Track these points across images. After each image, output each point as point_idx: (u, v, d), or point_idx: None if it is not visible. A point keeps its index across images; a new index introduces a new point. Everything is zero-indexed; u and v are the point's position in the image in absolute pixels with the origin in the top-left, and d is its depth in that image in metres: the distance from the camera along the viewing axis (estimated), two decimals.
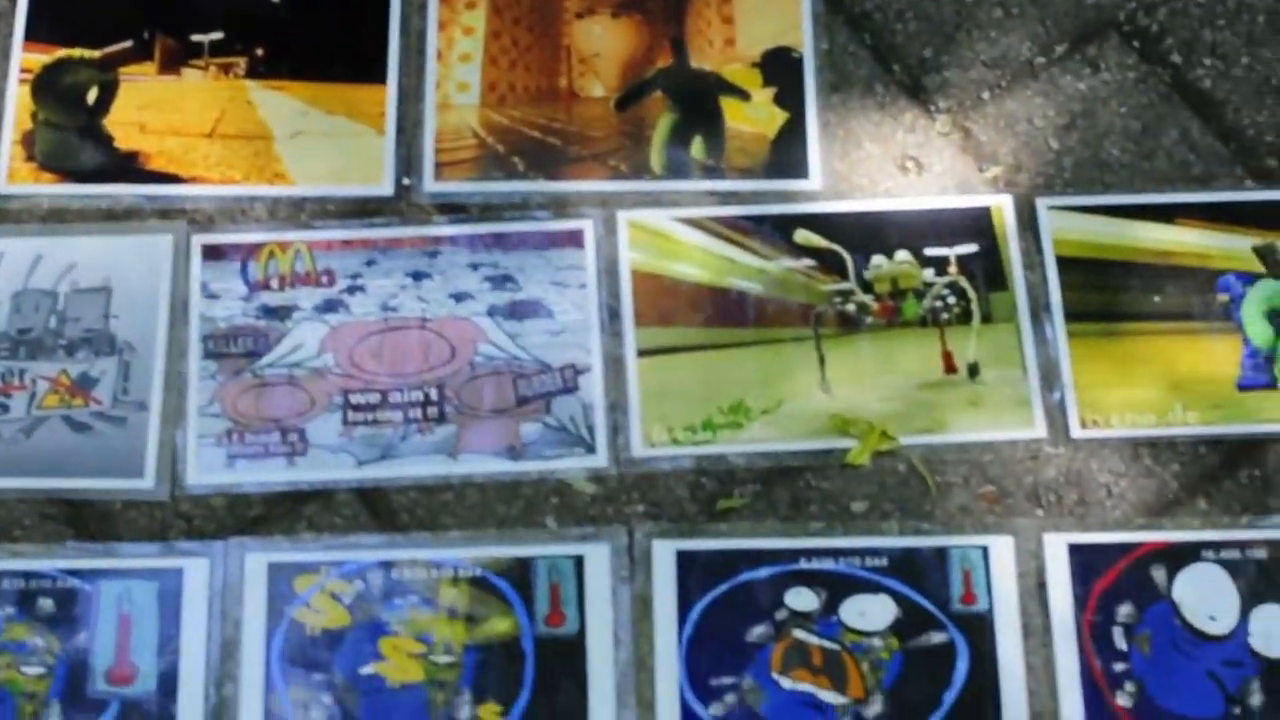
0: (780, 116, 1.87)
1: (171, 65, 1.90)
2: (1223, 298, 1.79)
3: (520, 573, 1.66)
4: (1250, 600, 1.66)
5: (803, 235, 1.81)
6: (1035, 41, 1.91)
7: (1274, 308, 1.78)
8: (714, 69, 1.90)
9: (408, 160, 1.85)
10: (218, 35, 1.91)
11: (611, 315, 1.77)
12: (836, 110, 1.87)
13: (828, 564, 1.67)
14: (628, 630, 1.64)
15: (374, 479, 1.71)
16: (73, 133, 1.86)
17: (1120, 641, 1.64)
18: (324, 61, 1.90)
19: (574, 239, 1.80)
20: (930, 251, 1.81)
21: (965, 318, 1.78)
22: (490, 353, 1.76)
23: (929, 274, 1.80)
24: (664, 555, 1.67)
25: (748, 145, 1.86)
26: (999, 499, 1.70)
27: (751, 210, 1.82)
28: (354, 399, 1.74)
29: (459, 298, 1.78)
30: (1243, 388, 1.75)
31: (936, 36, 1.91)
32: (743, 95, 1.89)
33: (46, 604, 1.65)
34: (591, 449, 1.72)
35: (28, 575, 1.66)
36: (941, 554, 1.67)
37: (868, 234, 1.81)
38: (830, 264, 1.80)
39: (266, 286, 1.79)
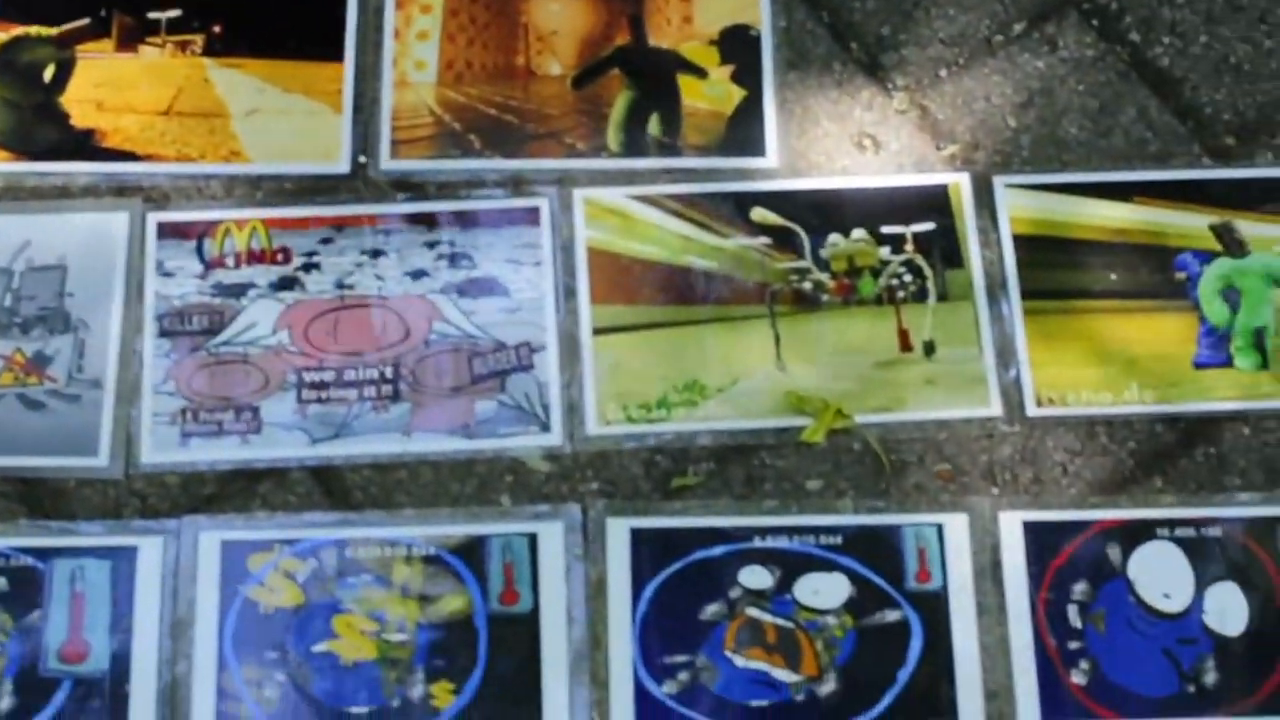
0: (738, 94, 1.87)
1: (129, 43, 1.90)
2: (1179, 276, 1.79)
3: (474, 551, 1.66)
4: (1205, 578, 1.66)
5: (759, 213, 1.80)
6: (993, 19, 1.90)
7: (1230, 286, 1.78)
8: (672, 47, 1.90)
9: (364, 138, 1.84)
10: (175, 13, 1.91)
11: (567, 293, 1.77)
12: (794, 88, 1.87)
13: (782, 542, 1.66)
14: (581, 608, 1.64)
15: (328, 457, 1.70)
16: (29, 110, 1.86)
17: (1075, 619, 1.64)
18: (281, 39, 1.89)
19: (530, 217, 1.80)
20: (887, 229, 1.80)
21: (921, 296, 1.78)
22: (445, 330, 1.75)
23: (885, 252, 1.79)
24: (618, 533, 1.67)
25: (705, 123, 1.86)
26: (954, 477, 1.70)
27: (708, 188, 1.82)
28: (308, 377, 1.73)
29: (415, 275, 1.78)
30: (1199, 366, 1.75)
31: (894, 14, 1.91)
32: (700, 73, 1.88)
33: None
34: (546, 427, 1.71)
35: None
36: (896, 532, 1.67)
37: (824, 212, 1.81)
38: (786, 242, 1.80)
39: (222, 264, 1.78)
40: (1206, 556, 1.66)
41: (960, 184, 1.82)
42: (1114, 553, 1.66)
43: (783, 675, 1.62)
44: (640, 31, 1.90)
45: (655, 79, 1.88)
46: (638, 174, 1.83)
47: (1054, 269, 1.78)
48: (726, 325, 1.76)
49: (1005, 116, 1.86)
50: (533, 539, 1.66)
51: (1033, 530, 1.67)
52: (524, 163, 1.83)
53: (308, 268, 1.78)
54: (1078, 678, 1.62)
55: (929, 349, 1.75)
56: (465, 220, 1.80)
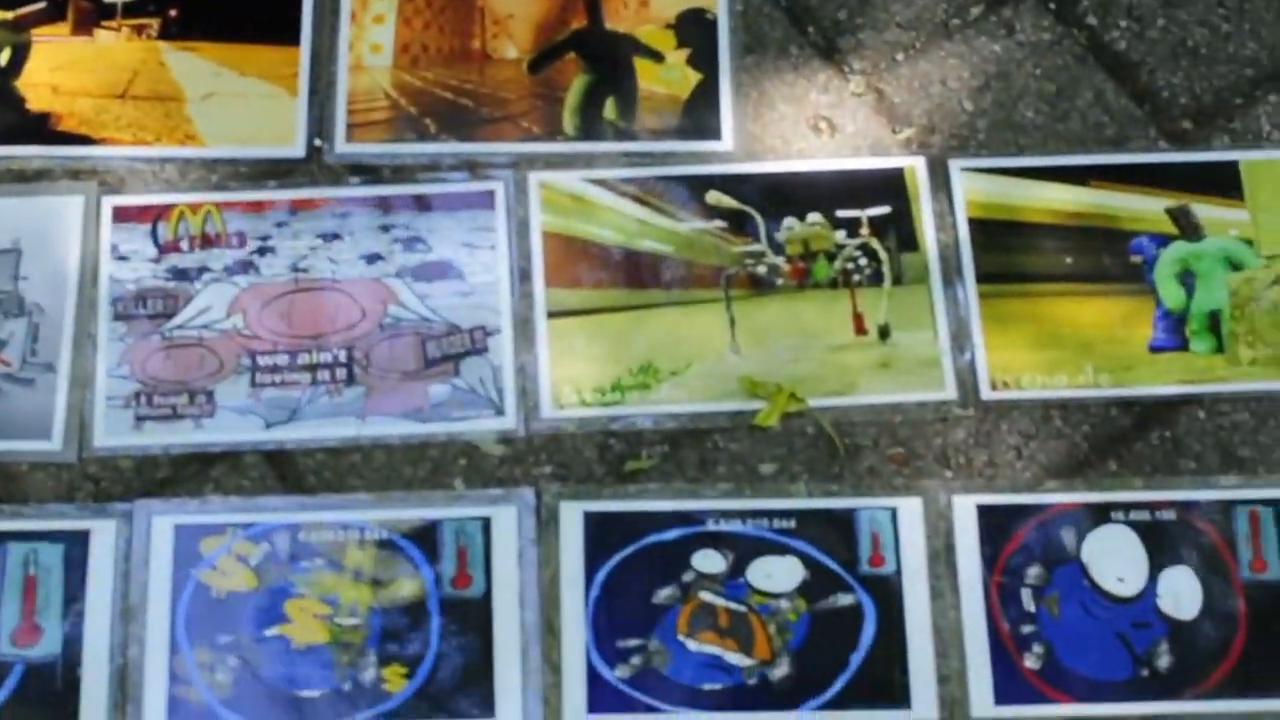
0: (694, 78, 1.87)
1: (85, 26, 1.89)
2: (1135, 259, 1.79)
3: (427, 535, 1.65)
4: (1159, 562, 1.66)
5: (714, 197, 1.80)
6: (950, 3, 1.90)
7: (1186, 269, 1.78)
8: (628, 31, 1.90)
9: (320, 122, 1.84)
10: None
11: (522, 277, 1.76)
12: (750, 72, 1.87)
13: (735, 526, 1.66)
14: (534, 592, 1.64)
15: (281, 441, 1.70)
16: None
17: (1029, 603, 1.64)
18: (237, 23, 1.89)
19: (485, 200, 1.80)
20: (842, 213, 1.80)
21: (876, 279, 1.78)
22: (400, 314, 1.75)
23: (840, 236, 1.79)
24: (571, 517, 1.67)
25: (661, 107, 1.85)
26: (907, 460, 1.70)
27: (664, 171, 1.82)
28: (262, 361, 1.73)
29: (370, 259, 1.77)
30: (1154, 349, 1.75)
31: None
32: (656, 57, 1.88)
33: None
34: (500, 411, 1.71)
35: None
36: (850, 516, 1.67)
37: (780, 196, 1.81)
38: (742, 226, 1.80)
39: (176, 248, 1.78)
40: (1161, 540, 1.66)
41: (916, 167, 1.81)
42: (1068, 536, 1.66)
43: (735, 659, 1.62)
44: (597, 15, 1.90)
45: (611, 63, 1.88)
46: (593, 158, 1.83)
47: (1009, 253, 1.78)
48: (681, 309, 1.76)
49: (961, 100, 1.85)
50: (486, 523, 1.66)
51: (986, 514, 1.67)
52: (479, 146, 1.83)
53: (262, 251, 1.78)
54: (1031, 662, 1.62)
55: (883, 333, 1.75)
56: (420, 204, 1.80)
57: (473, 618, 1.63)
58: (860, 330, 1.75)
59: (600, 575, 1.64)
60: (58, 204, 1.79)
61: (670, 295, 1.77)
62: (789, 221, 1.79)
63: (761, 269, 1.78)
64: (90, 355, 1.73)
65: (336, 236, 1.78)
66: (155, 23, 1.89)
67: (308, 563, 1.64)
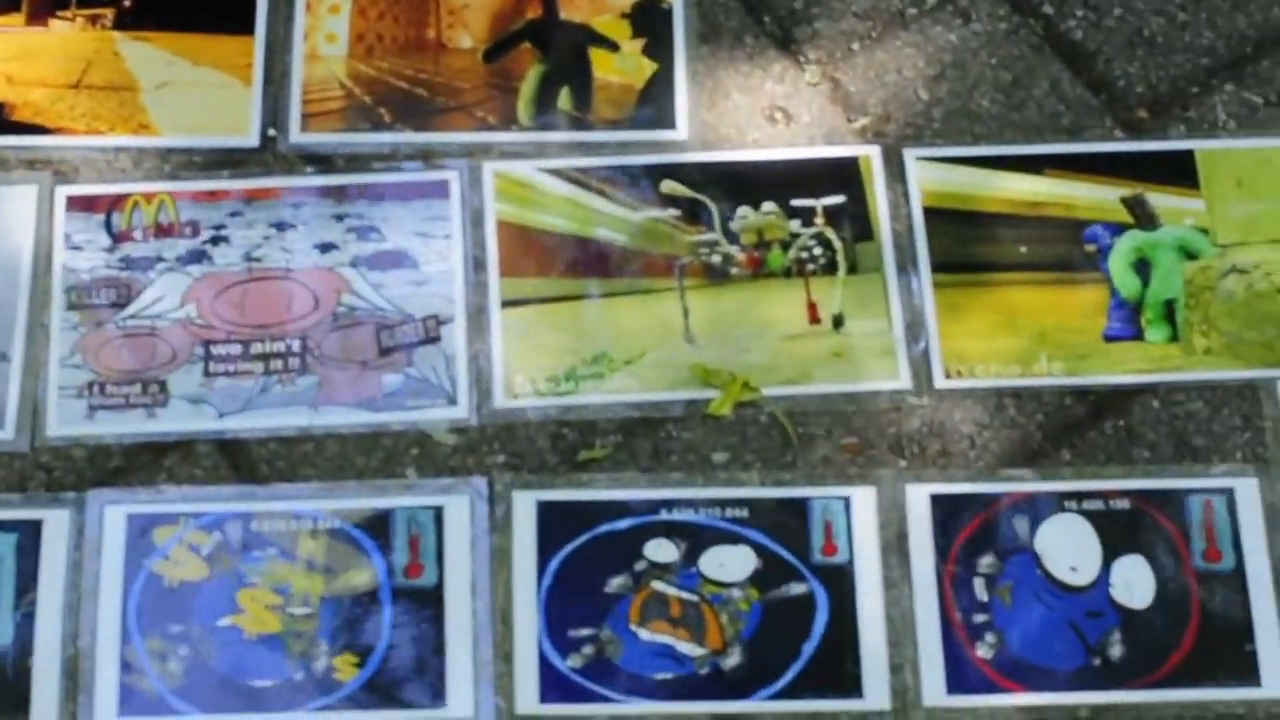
0: (649, 67, 1.86)
1: (39, 16, 1.89)
2: (1090, 248, 1.78)
3: (379, 524, 1.65)
4: (1112, 551, 1.66)
5: (669, 186, 1.80)
6: None
7: (1141, 258, 1.78)
8: (583, 20, 1.89)
9: (274, 111, 1.83)
10: None
11: (476, 266, 1.76)
12: (705, 61, 1.87)
13: (688, 515, 1.66)
14: (486, 582, 1.63)
15: (234, 430, 1.70)
16: None
17: (981, 592, 1.64)
18: (192, 13, 1.89)
19: (439, 190, 1.79)
20: (797, 202, 1.80)
21: (831, 269, 1.77)
22: (354, 303, 1.75)
23: (795, 225, 1.79)
24: (524, 506, 1.66)
25: (616, 96, 1.85)
26: (861, 449, 1.70)
27: (618, 161, 1.81)
28: (215, 350, 1.73)
29: (323, 248, 1.77)
30: (1109, 338, 1.75)
31: None
32: (612, 46, 1.88)
33: None
34: (453, 400, 1.71)
35: None
36: (803, 505, 1.67)
37: (734, 185, 1.80)
38: (696, 215, 1.79)
39: (130, 238, 1.77)
40: (1114, 529, 1.66)
41: (871, 156, 1.81)
42: (1021, 525, 1.66)
43: (687, 648, 1.62)
44: (552, 5, 1.90)
45: (567, 52, 1.88)
46: (548, 147, 1.82)
47: (964, 242, 1.78)
48: (635, 298, 1.76)
49: (917, 89, 1.85)
50: (438, 512, 1.66)
51: (940, 503, 1.67)
52: (434, 136, 1.82)
53: (216, 241, 1.77)
54: (983, 651, 1.62)
55: (837, 322, 1.75)
56: (374, 193, 1.79)
57: (425, 607, 1.63)
58: (814, 319, 1.75)
59: (553, 564, 1.64)
60: (11, 193, 1.79)
61: (624, 284, 1.77)
62: (743, 211, 1.79)
63: (716, 258, 1.78)
64: (43, 345, 1.73)
65: (290, 226, 1.78)
66: (110, 13, 1.89)
67: (260, 552, 1.64)
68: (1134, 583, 1.64)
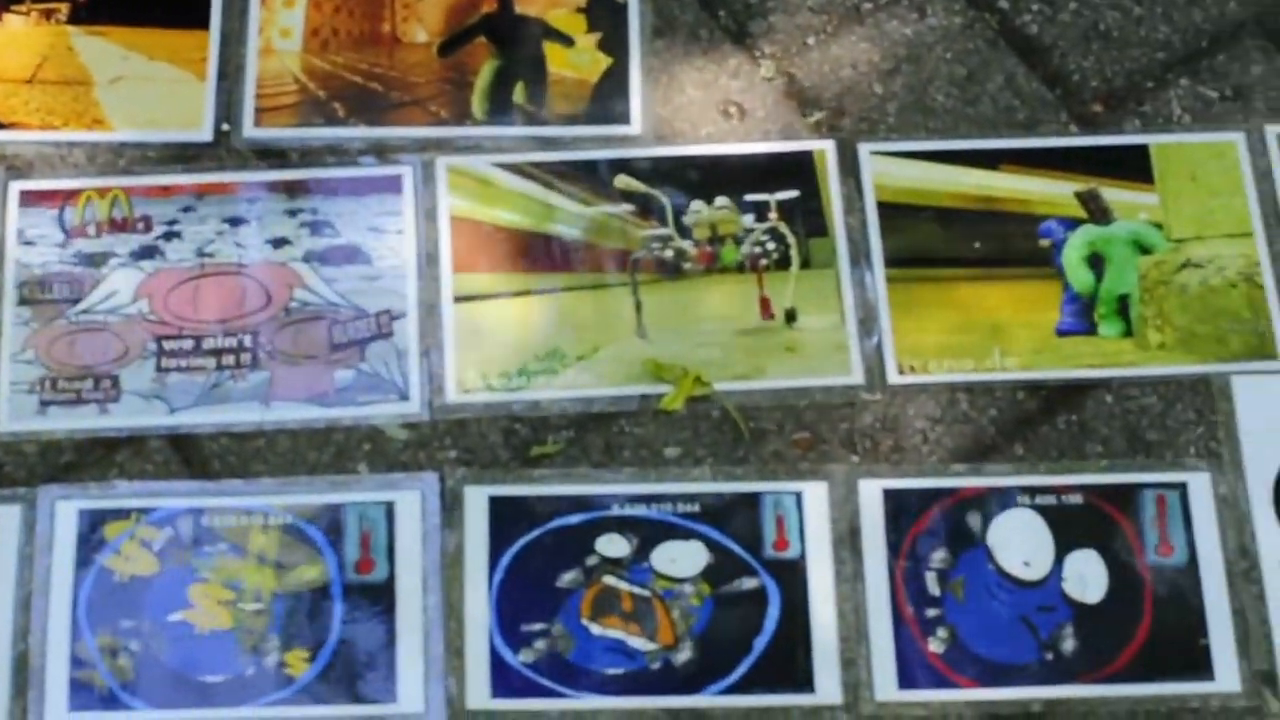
0: (604, 62, 1.86)
1: None
2: (1044, 243, 1.78)
3: (331, 520, 1.65)
4: (1064, 545, 1.66)
5: (623, 180, 1.80)
6: None
7: (1095, 253, 1.78)
8: (538, 15, 1.89)
9: (228, 106, 1.83)
10: None
11: (429, 261, 1.76)
12: (660, 56, 1.86)
13: (640, 510, 1.66)
14: (437, 577, 1.63)
15: (186, 425, 1.70)
16: None
17: (933, 587, 1.64)
18: (146, 7, 1.88)
19: (393, 185, 1.79)
20: (751, 197, 1.80)
21: (784, 263, 1.77)
22: (306, 298, 1.74)
23: (749, 220, 1.79)
24: (476, 502, 1.66)
25: (570, 91, 1.85)
26: (813, 445, 1.69)
27: (573, 156, 1.81)
28: (167, 345, 1.72)
29: (276, 243, 1.77)
30: (1062, 333, 1.75)
31: None
32: (566, 41, 1.88)
33: None
34: (405, 396, 1.71)
35: None
36: (754, 500, 1.67)
37: (688, 180, 1.80)
38: (650, 210, 1.79)
39: (83, 233, 1.77)
40: (1067, 524, 1.66)
41: (825, 151, 1.81)
42: (974, 520, 1.66)
43: (639, 644, 1.62)
44: None
45: (521, 47, 1.87)
46: (503, 142, 1.82)
47: (918, 237, 1.78)
48: (588, 293, 1.76)
49: (872, 84, 1.85)
50: (390, 507, 1.66)
51: (892, 498, 1.67)
52: (388, 131, 1.82)
53: (168, 236, 1.77)
54: (935, 646, 1.62)
55: (790, 317, 1.75)
56: (328, 188, 1.79)
57: (376, 603, 1.63)
58: (767, 314, 1.75)
59: (504, 559, 1.64)
60: None
61: (577, 279, 1.76)
62: (696, 205, 1.79)
63: (669, 253, 1.78)
64: None
65: (242, 221, 1.77)
66: (64, 7, 1.89)
67: (211, 547, 1.64)
68: (1087, 577, 1.64)
